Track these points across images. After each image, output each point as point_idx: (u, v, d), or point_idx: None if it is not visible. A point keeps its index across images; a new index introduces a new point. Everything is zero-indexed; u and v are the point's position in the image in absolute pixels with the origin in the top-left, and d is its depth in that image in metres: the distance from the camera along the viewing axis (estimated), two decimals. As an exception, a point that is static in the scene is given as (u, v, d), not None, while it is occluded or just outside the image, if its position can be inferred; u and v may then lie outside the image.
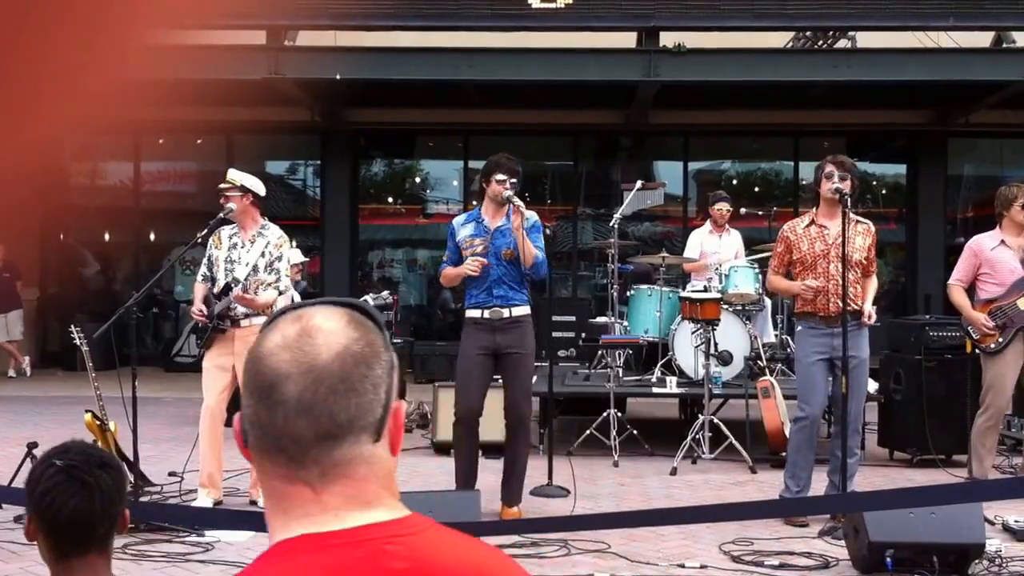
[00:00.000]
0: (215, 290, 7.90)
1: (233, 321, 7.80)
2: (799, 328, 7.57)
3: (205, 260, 8.04)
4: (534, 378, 10.51)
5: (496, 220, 7.40)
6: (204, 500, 7.71)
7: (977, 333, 8.07)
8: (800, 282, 7.37)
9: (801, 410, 7.49)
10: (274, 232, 8.01)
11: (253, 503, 7.86)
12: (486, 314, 7.32)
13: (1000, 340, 7.95)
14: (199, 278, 8.05)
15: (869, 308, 7.39)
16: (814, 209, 7.61)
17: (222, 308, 7.77)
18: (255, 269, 7.85)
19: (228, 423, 8.20)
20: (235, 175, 7.95)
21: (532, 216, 7.44)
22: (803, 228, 7.48)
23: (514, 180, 7.37)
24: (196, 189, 18.65)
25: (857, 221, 7.43)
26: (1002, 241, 8.09)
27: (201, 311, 7.80)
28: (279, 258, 7.92)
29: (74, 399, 11.83)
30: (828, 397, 7.57)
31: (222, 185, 7.91)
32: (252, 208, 7.94)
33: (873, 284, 7.55)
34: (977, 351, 8.19)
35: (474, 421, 7.40)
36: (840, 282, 7.19)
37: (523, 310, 7.39)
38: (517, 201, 7.19)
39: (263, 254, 7.89)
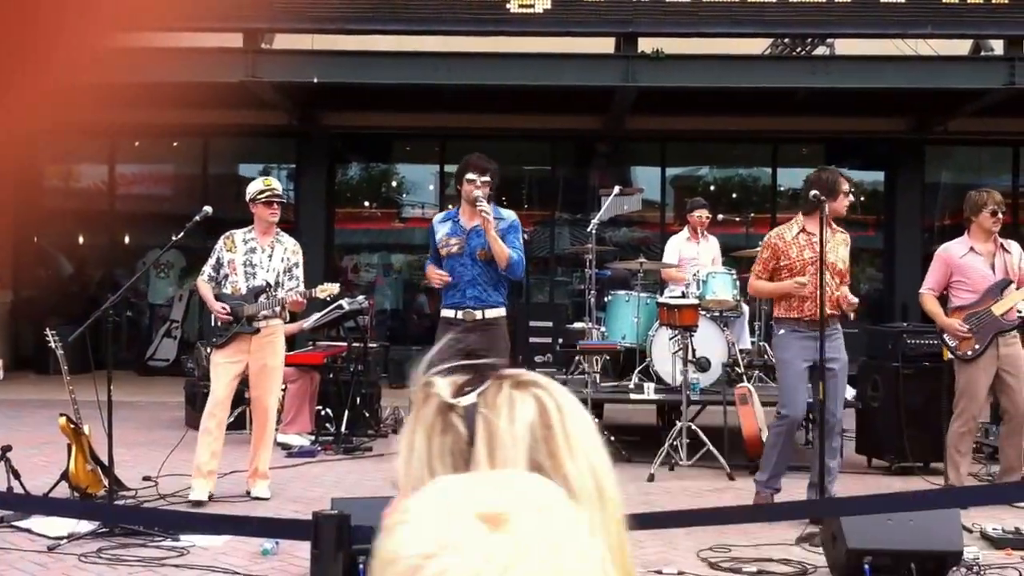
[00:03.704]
0: (229, 291, 8.08)
1: (257, 321, 8.02)
2: (781, 331, 7.72)
3: (212, 261, 8.21)
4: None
5: (472, 220, 7.38)
6: (200, 492, 7.81)
7: (953, 340, 8.10)
8: (791, 280, 7.53)
9: (783, 411, 7.69)
10: (289, 240, 8.35)
11: (248, 493, 7.94)
12: (459, 315, 7.32)
13: (977, 346, 7.98)
14: (204, 277, 8.24)
15: (848, 294, 7.55)
16: (800, 216, 7.72)
17: (256, 311, 7.99)
18: (278, 274, 8.14)
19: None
20: (279, 184, 8.32)
21: (510, 216, 7.47)
22: (792, 236, 7.66)
23: (486, 178, 7.33)
24: (171, 192, 18.54)
25: (837, 231, 7.63)
26: (971, 248, 8.14)
27: (225, 309, 7.95)
28: (296, 264, 8.24)
29: (48, 403, 11.71)
30: (810, 401, 7.71)
31: (276, 193, 8.17)
32: None
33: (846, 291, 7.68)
34: (953, 358, 8.23)
35: None
36: (827, 290, 7.36)
37: (496, 312, 7.36)
38: (483, 206, 7.15)
39: (282, 260, 8.18)
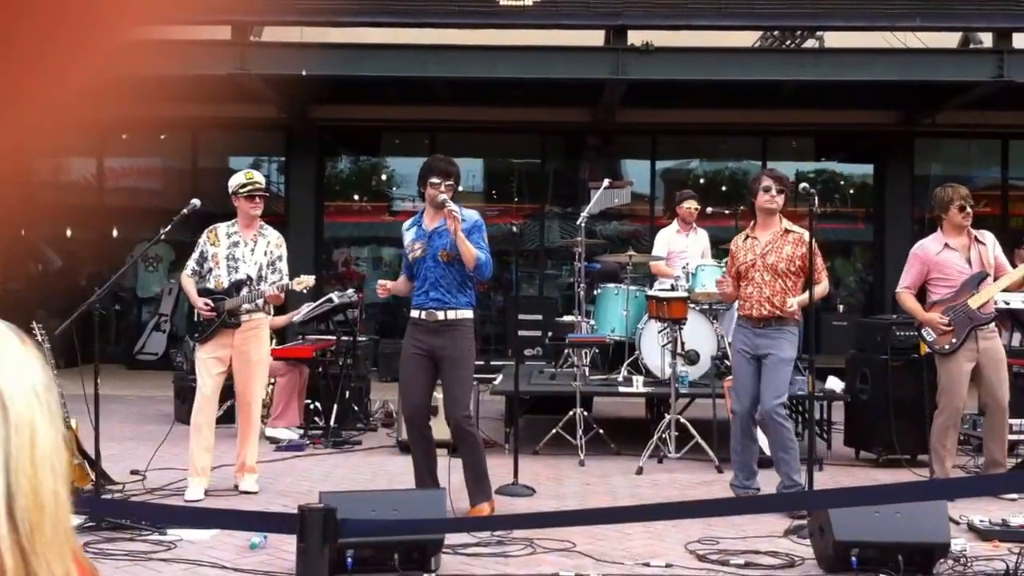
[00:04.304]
0: (212, 285, 8.08)
1: (239, 315, 8.02)
2: (735, 324, 8.21)
3: (196, 255, 8.20)
4: (498, 378, 10.52)
5: (433, 222, 7.35)
6: (196, 491, 7.81)
7: (932, 335, 8.14)
8: (721, 280, 8.14)
9: (732, 404, 8.04)
10: (273, 233, 8.31)
11: (236, 487, 8.07)
12: (422, 315, 7.31)
13: (954, 340, 8.02)
14: (188, 272, 8.21)
15: (792, 302, 7.63)
16: (752, 223, 8.03)
17: (237, 304, 7.98)
18: (261, 268, 8.10)
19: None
20: (261, 177, 8.27)
21: (472, 216, 7.39)
22: (742, 241, 7.98)
23: (450, 182, 7.29)
24: (160, 185, 18.51)
25: (787, 231, 7.78)
26: (946, 244, 8.17)
27: (208, 305, 7.95)
28: (280, 257, 8.23)
29: (35, 397, 11.68)
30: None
31: (258, 187, 8.14)
32: None
33: (821, 287, 7.73)
34: (932, 352, 8.27)
35: (421, 419, 7.41)
36: (763, 289, 7.68)
37: (460, 314, 7.30)
38: (451, 205, 7.11)
39: (265, 253, 8.16)
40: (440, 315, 7.25)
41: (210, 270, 8.12)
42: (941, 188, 8.37)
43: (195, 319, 8.15)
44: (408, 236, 7.50)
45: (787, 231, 7.74)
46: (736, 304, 11.07)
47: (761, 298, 7.66)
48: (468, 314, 7.36)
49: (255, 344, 8.10)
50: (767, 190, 7.70)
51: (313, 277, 8.41)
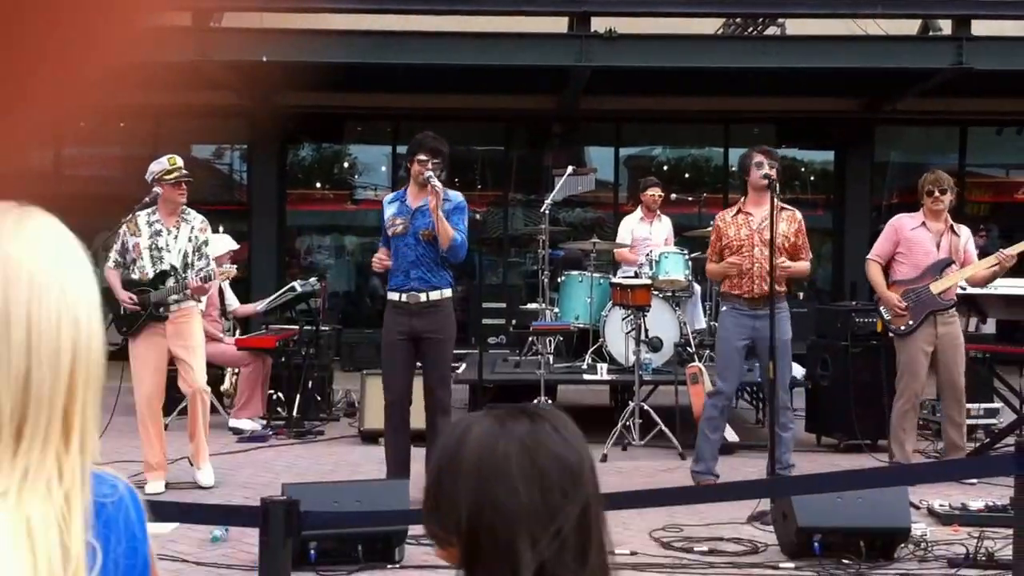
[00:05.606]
0: (137, 276, 7.89)
1: (167, 307, 7.83)
2: (723, 308, 8.00)
3: (117, 246, 7.97)
4: (462, 367, 10.50)
5: (417, 200, 7.33)
6: (156, 485, 7.73)
7: (889, 313, 8.22)
8: (725, 262, 7.81)
9: (717, 386, 7.95)
10: (196, 217, 8.08)
11: (190, 463, 8.10)
12: (403, 297, 7.27)
13: (911, 323, 8.09)
14: (111, 264, 7.97)
15: (788, 263, 7.69)
16: (742, 199, 7.98)
17: (163, 296, 7.80)
18: (186, 255, 7.90)
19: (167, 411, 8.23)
20: (181, 162, 8.02)
21: (456, 197, 7.40)
22: (731, 217, 7.93)
23: (437, 160, 7.28)
24: (120, 175, 18.32)
25: (782, 208, 7.73)
26: (923, 223, 8.28)
27: (132, 299, 7.76)
28: (205, 243, 8.03)
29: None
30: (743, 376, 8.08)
31: (184, 173, 7.92)
32: None
33: (803, 266, 7.91)
34: (890, 333, 8.36)
35: (405, 406, 7.34)
36: (763, 265, 7.55)
37: (442, 293, 7.31)
38: (435, 182, 7.10)
39: (189, 239, 7.95)
40: (423, 296, 7.23)
41: (133, 261, 7.91)
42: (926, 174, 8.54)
43: (122, 312, 7.90)
44: (389, 210, 7.44)
45: (781, 208, 7.70)
46: (698, 291, 11.19)
47: (762, 273, 7.58)
48: (449, 292, 7.36)
49: (188, 332, 7.93)
50: (759, 166, 7.66)
51: (235, 267, 8.27)
